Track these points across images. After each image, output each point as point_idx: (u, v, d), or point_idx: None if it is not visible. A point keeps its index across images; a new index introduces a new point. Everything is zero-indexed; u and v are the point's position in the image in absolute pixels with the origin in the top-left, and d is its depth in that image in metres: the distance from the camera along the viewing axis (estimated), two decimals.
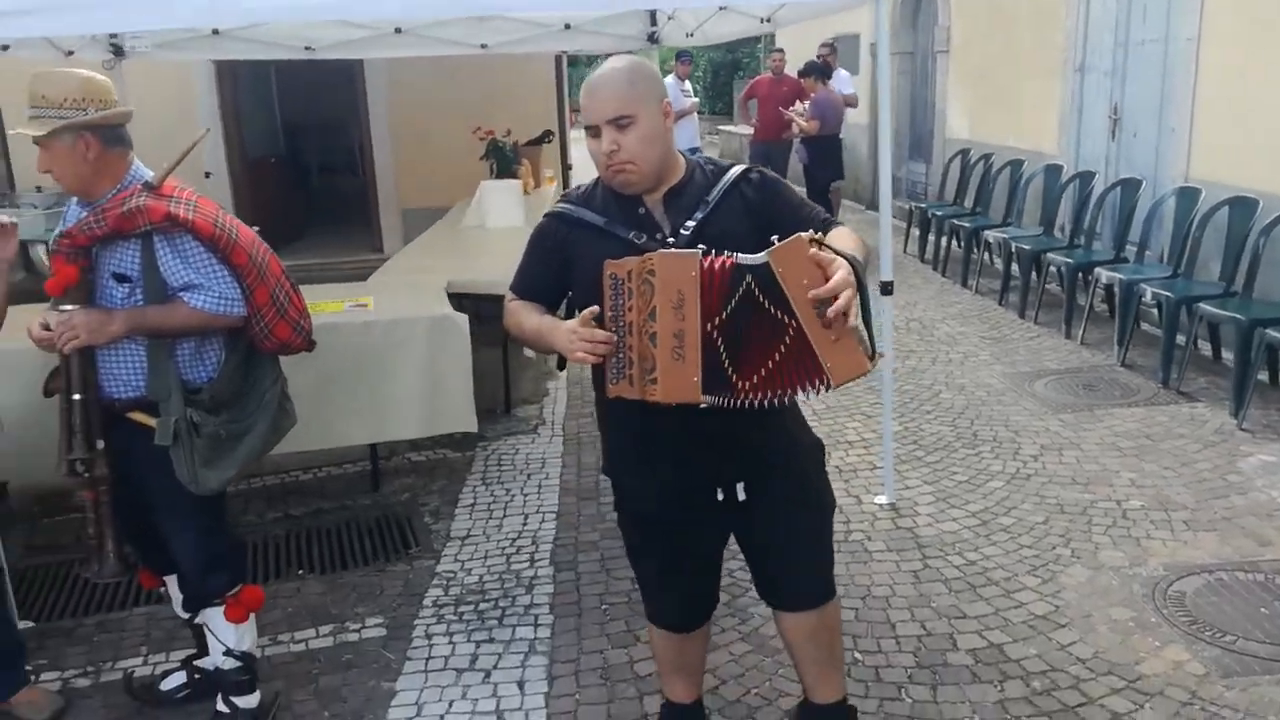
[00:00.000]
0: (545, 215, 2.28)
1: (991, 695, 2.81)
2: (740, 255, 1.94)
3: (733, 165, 2.23)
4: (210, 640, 2.82)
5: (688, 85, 9.93)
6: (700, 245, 1.97)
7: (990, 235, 7.51)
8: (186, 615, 2.89)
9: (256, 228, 2.85)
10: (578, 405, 5.45)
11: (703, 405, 1.97)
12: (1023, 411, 5.00)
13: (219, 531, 2.80)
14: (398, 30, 5.69)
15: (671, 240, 2.08)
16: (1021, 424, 4.84)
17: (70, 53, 4.82)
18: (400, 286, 4.78)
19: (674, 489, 2.22)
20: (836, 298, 1.83)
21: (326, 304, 4.29)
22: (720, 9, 5.00)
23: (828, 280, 1.85)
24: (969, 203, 8.47)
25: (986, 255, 8.03)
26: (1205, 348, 5.62)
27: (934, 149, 9.99)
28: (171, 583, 2.94)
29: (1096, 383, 5.39)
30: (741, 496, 2.20)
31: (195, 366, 2.66)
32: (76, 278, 2.51)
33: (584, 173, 11.51)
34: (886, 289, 3.88)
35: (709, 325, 1.94)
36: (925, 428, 4.86)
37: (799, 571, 2.30)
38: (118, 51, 5.34)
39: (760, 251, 1.92)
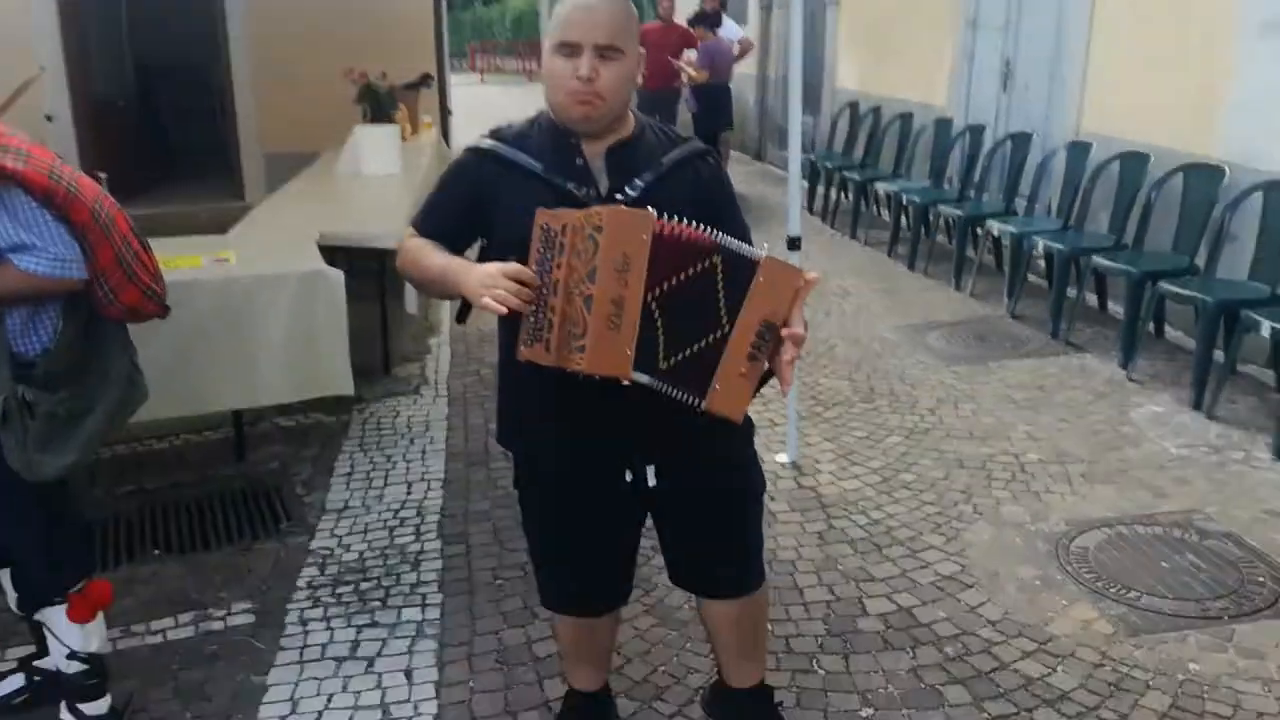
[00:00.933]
0: (468, 150, 2.00)
1: (904, 663, 2.70)
2: (721, 235, 1.75)
3: (690, 138, 2.02)
4: (51, 642, 2.49)
5: None
6: (649, 208, 1.74)
7: (881, 188, 7.47)
8: (22, 614, 2.55)
9: (104, 175, 2.49)
10: (462, 362, 5.16)
11: (625, 382, 1.75)
12: (917, 365, 4.96)
13: (61, 521, 2.46)
14: None
15: (619, 198, 1.85)
16: (917, 377, 4.79)
17: None
18: (266, 239, 4.39)
19: (578, 467, 2.01)
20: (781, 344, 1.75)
21: (183, 259, 3.88)
22: None
23: (787, 324, 1.75)
24: (859, 155, 8.42)
25: (875, 208, 8.01)
26: (1091, 299, 5.69)
27: (822, 101, 9.91)
28: (4, 576, 2.59)
29: (987, 334, 5.39)
30: (652, 482, 2.00)
31: (27, 337, 2.31)
32: None
33: (466, 120, 11.11)
34: (794, 244, 3.72)
35: (649, 295, 1.72)
36: (822, 382, 4.76)
37: (724, 560, 2.12)
38: None
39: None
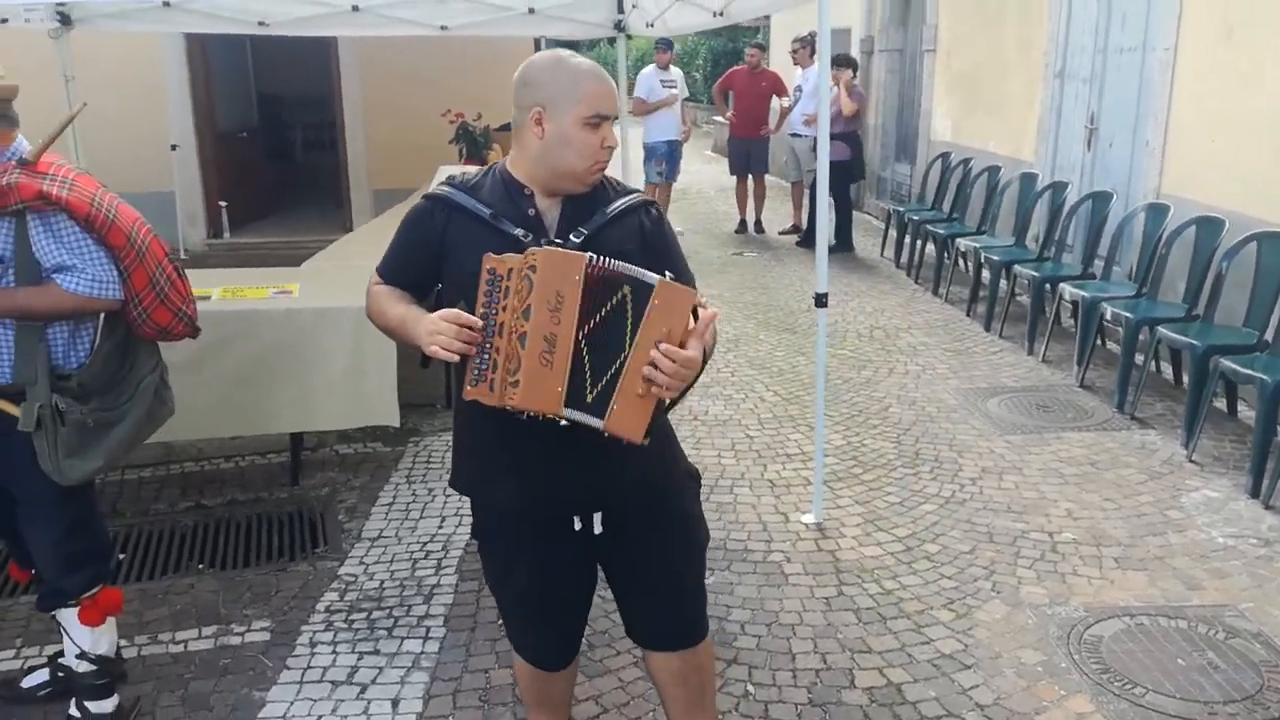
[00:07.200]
0: (425, 198, 2.12)
1: None
2: (628, 266, 1.83)
3: (636, 190, 2.15)
4: (65, 640, 2.71)
5: (669, 74, 9.71)
6: (590, 253, 1.84)
7: (962, 243, 7.35)
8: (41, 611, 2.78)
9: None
10: None
11: (563, 422, 1.84)
12: (970, 431, 4.86)
13: (84, 528, 2.68)
14: (355, 8, 5.53)
15: (559, 242, 1.96)
16: (966, 444, 4.69)
17: (4, 20, 4.68)
18: (332, 272, 4.65)
19: (529, 515, 2.09)
20: (672, 365, 1.80)
21: (250, 290, 4.20)
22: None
23: (683, 347, 1.81)
24: (947, 207, 8.31)
25: (960, 263, 7.88)
26: (1167, 370, 5.48)
27: (918, 150, 9.82)
28: None
29: (1051, 403, 5.24)
30: (598, 529, 2.07)
31: (69, 351, 2.55)
32: None
33: None
34: (821, 301, 3.75)
35: (579, 333, 1.81)
36: (868, 443, 4.72)
37: (665, 610, 2.17)
38: (65, 20, 5.19)
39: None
